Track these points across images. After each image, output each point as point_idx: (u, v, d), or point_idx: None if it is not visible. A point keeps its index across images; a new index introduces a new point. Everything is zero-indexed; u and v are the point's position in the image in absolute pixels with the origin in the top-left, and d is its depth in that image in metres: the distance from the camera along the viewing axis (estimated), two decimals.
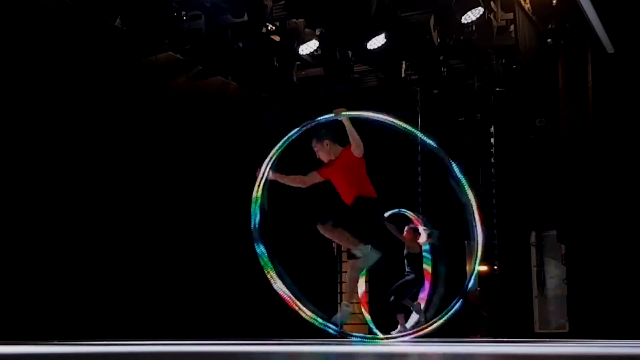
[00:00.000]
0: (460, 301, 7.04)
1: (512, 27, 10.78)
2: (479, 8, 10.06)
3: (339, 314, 6.65)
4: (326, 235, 6.62)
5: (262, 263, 6.29)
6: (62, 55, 8.76)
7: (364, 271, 8.64)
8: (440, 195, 11.35)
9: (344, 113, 6.54)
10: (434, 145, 6.95)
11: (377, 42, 10.47)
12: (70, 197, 8.71)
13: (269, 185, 6.52)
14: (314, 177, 6.80)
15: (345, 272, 7.56)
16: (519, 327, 12.43)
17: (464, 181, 6.89)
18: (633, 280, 11.60)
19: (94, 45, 9.19)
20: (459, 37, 10.73)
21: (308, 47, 10.51)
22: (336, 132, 6.76)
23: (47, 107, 8.57)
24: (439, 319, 7.03)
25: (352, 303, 6.85)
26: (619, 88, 12.32)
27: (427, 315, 9.02)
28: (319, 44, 10.59)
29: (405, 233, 9.66)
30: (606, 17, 11.42)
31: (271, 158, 6.59)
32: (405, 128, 6.97)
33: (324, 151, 6.70)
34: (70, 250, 8.59)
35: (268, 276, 6.27)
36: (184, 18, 9.82)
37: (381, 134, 8.15)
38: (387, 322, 9.93)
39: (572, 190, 12.15)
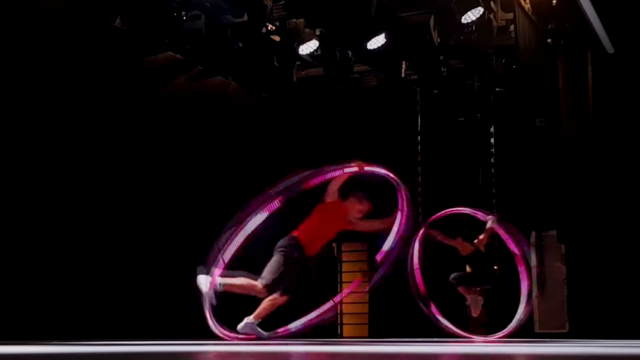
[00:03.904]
0: None
1: (512, 27, 10.76)
2: (479, 8, 10.06)
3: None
4: None
5: None
6: (62, 55, 8.75)
7: None
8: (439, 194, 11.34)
9: None
10: None
11: (377, 42, 10.46)
12: (71, 197, 8.71)
13: None
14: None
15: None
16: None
17: None
18: (633, 280, 11.59)
19: (94, 45, 9.19)
20: (459, 37, 10.72)
21: (308, 47, 10.51)
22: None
23: (47, 107, 8.56)
24: None
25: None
26: (619, 88, 12.32)
27: None
28: (319, 44, 10.58)
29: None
30: (606, 17, 11.40)
31: None
32: None
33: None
34: (69, 250, 8.59)
35: None
36: (184, 18, 9.82)
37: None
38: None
39: (572, 190, 12.14)
